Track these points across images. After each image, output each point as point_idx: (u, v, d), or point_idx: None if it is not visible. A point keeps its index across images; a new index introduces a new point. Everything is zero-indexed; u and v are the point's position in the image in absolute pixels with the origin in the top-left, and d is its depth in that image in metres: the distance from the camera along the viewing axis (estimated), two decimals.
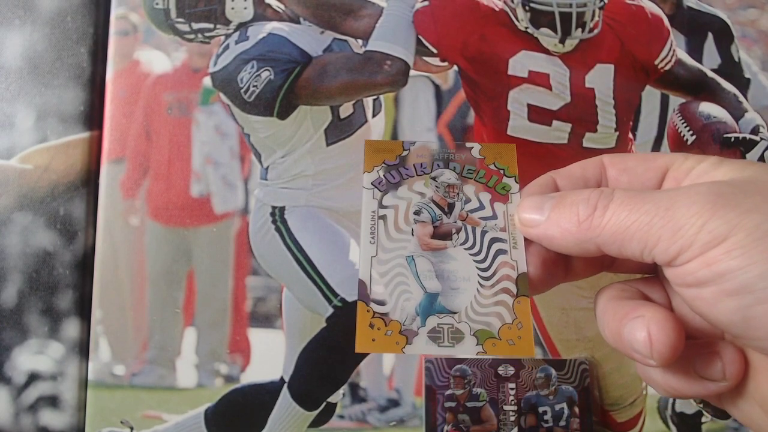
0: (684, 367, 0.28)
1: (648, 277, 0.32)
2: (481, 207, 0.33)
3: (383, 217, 0.33)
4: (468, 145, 0.35)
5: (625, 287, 0.31)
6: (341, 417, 0.57)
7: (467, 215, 0.33)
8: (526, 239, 0.31)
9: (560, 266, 0.31)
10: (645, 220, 0.26)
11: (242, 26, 0.62)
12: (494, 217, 0.33)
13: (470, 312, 0.30)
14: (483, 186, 0.34)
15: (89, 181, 0.59)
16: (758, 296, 0.24)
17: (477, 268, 0.31)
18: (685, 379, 0.28)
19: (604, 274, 0.33)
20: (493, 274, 0.31)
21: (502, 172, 0.34)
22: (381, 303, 0.30)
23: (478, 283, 0.31)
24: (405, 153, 0.35)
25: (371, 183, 0.34)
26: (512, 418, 0.53)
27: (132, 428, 0.56)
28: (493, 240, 0.32)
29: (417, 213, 0.33)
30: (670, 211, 0.26)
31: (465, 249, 0.32)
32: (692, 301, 0.27)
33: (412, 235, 0.32)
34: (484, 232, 0.32)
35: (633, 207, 0.27)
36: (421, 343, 0.29)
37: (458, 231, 0.32)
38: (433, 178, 0.34)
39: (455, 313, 0.30)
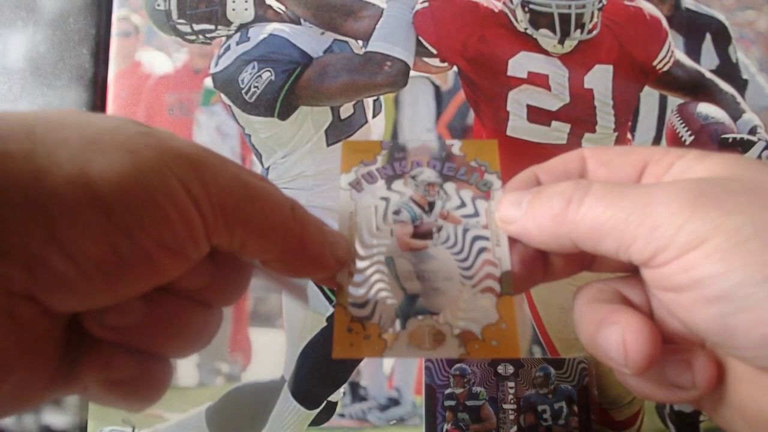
0: (656, 372, 0.27)
1: (628, 276, 0.30)
2: (463, 205, 0.32)
3: (361, 218, 0.31)
4: (448, 142, 0.34)
5: (604, 288, 0.29)
6: (342, 416, 0.57)
7: (448, 213, 0.32)
8: (509, 237, 0.30)
9: (539, 265, 0.30)
10: (621, 217, 0.25)
11: (243, 27, 0.62)
12: (476, 214, 0.31)
13: (452, 313, 0.29)
14: (464, 183, 0.33)
15: None
16: (739, 305, 0.22)
17: (459, 267, 0.30)
18: (657, 385, 0.27)
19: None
20: (476, 273, 0.30)
21: (483, 168, 0.33)
22: (359, 306, 0.29)
23: (460, 282, 0.30)
24: (383, 152, 0.34)
25: (348, 184, 0.33)
26: (511, 417, 0.53)
27: (134, 427, 0.56)
28: (476, 238, 0.31)
29: (396, 213, 0.32)
30: (647, 208, 0.24)
31: (446, 248, 0.31)
32: (670, 305, 0.25)
33: (392, 235, 0.31)
34: (465, 230, 0.31)
35: (609, 202, 0.25)
36: (402, 347, 0.28)
37: (439, 230, 0.31)
38: (413, 177, 0.33)
39: (436, 314, 0.29)
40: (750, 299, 0.22)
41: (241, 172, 0.26)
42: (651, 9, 0.62)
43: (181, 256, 0.24)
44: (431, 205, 0.32)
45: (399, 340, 0.28)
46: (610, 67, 0.61)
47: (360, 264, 0.30)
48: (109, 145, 0.22)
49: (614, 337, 0.26)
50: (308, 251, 0.27)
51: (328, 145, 0.61)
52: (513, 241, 0.30)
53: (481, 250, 0.30)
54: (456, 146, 0.34)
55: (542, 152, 0.60)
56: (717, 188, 0.24)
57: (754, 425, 0.26)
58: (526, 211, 0.28)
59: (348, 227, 0.31)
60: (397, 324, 0.29)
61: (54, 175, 0.21)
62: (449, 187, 0.32)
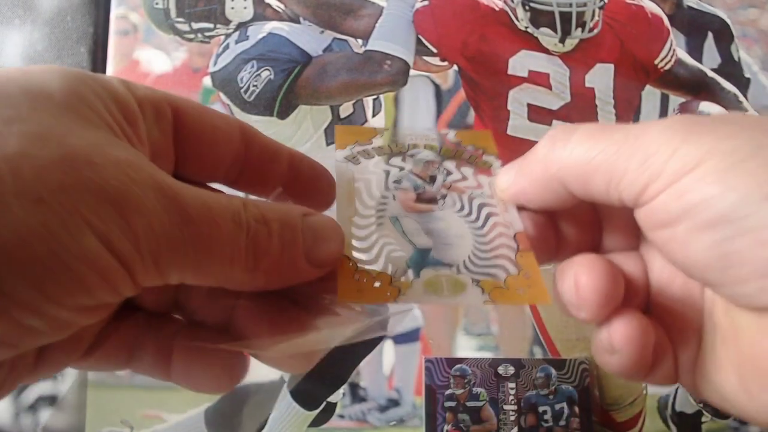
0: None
1: (629, 251, 0.29)
2: (465, 178, 0.30)
3: (360, 184, 0.29)
4: (442, 131, 0.34)
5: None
6: (341, 416, 0.57)
7: (451, 184, 0.30)
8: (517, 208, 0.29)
9: (550, 230, 0.29)
10: (611, 149, 0.23)
11: (242, 26, 0.62)
12: (480, 187, 0.30)
13: (469, 264, 0.27)
14: (463, 161, 0.31)
15: None
16: (738, 226, 0.21)
17: (470, 227, 0.28)
18: (599, 350, 0.26)
19: None
20: (488, 233, 0.28)
21: (480, 151, 0.32)
22: (365, 256, 0.26)
23: (474, 239, 0.28)
24: (379, 136, 0.32)
25: (344, 157, 0.31)
26: (512, 418, 0.53)
27: (132, 428, 0.56)
28: (483, 205, 0.29)
29: (397, 182, 0.30)
30: (639, 139, 0.23)
31: (454, 212, 0.29)
32: (666, 245, 0.24)
33: (394, 199, 0.29)
34: (471, 198, 0.29)
35: (599, 137, 0.24)
36: (418, 293, 0.25)
37: (443, 197, 0.29)
38: (411, 156, 0.31)
39: (452, 266, 0.26)
40: (749, 219, 0.21)
41: (173, 190, 0.21)
42: (653, 7, 0.62)
43: (103, 310, 0.21)
44: (432, 178, 0.30)
45: (413, 288, 0.25)
46: (611, 66, 0.61)
47: (362, 221, 0.28)
48: (8, 192, 0.17)
49: (567, 277, 0.25)
50: (269, 268, 0.22)
51: (328, 144, 0.61)
52: (520, 207, 0.29)
53: (490, 215, 0.29)
54: (451, 134, 0.33)
55: None
56: (712, 118, 0.24)
57: (751, 377, 0.23)
58: (518, 170, 0.28)
59: (346, 192, 0.29)
60: (410, 273, 0.26)
61: None
62: (449, 164, 0.31)
